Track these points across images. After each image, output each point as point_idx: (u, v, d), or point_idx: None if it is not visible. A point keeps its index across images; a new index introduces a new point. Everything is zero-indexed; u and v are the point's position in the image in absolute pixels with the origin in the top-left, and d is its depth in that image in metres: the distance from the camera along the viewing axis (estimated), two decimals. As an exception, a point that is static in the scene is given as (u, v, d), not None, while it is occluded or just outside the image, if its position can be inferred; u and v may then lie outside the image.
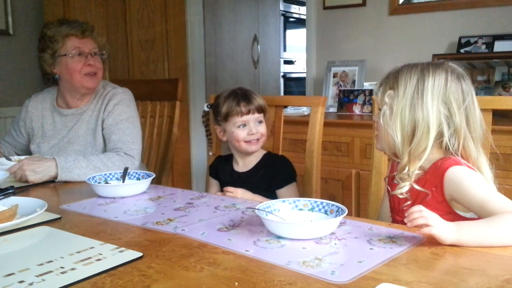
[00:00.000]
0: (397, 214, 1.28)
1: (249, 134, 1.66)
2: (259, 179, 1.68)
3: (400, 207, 1.24)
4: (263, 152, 1.75)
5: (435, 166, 1.19)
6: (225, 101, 1.68)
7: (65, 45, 1.87)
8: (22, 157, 1.77)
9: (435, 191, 1.18)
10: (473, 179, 1.13)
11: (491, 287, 0.79)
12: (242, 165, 1.74)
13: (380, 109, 1.25)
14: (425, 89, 1.17)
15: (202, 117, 1.82)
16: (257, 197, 1.57)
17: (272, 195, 1.65)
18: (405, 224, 1.03)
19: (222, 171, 1.78)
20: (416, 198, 1.20)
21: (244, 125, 1.67)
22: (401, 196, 1.21)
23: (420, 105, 1.17)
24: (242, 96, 1.67)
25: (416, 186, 1.18)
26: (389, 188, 1.32)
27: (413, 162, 1.19)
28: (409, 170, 1.19)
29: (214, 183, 1.81)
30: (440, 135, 1.18)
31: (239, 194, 1.53)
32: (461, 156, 1.19)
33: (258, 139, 1.68)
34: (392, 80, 1.23)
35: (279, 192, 1.67)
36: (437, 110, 1.17)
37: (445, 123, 1.17)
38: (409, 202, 1.20)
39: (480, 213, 1.09)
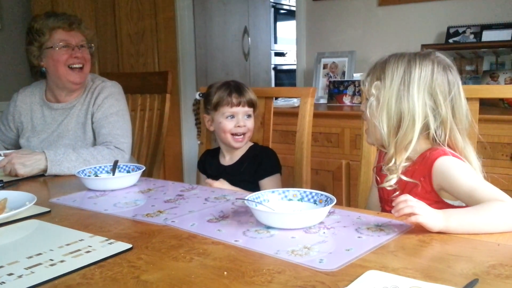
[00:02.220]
0: (387, 204, 1.29)
1: (236, 126, 1.66)
2: (244, 172, 1.68)
3: (390, 197, 1.24)
4: (250, 144, 1.74)
5: (423, 156, 1.19)
6: (217, 91, 1.68)
7: (52, 37, 1.86)
8: (10, 151, 1.76)
9: (423, 181, 1.18)
10: (461, 169, 1.14)
11: (477, 273, 0.80)
12: (229, 158, 1.74)
13: (367, 99, 1.25)
14: (411, 81, 1.17)
15: (193, 105, 1.82)
16: (237, 190, 1.55)
17: (258, 188, 1.64)
18: (394, 213, 1.03)
19: (209, 165, 1.78)
20: (404, 188, 1.21)
21: (233, 117, 1.67)
22: (389, 188, 1.22)
23: (406, 96, 1.17)
24: (234, 87, 1.68)
25: (404, 178, 1.19)
26: (377, 178, 1.33)
27: (399, 153, 1.19)
28: (396, 162, 1.19)
29: (203, 178, 1.81)
30: (426, 126, 1.18)
31: (215, 184, 1.51)
32: (448, 146, 1.19)
33: (244, 133, 1.67)
34: (379, 70, 1.22)
35: (261, 182, 1.67)
36: (423, 102, 1.17)
37: (431, 115, 1.17)
38: (398, 192, 1.20)
39: (468, 202, 1.10)
